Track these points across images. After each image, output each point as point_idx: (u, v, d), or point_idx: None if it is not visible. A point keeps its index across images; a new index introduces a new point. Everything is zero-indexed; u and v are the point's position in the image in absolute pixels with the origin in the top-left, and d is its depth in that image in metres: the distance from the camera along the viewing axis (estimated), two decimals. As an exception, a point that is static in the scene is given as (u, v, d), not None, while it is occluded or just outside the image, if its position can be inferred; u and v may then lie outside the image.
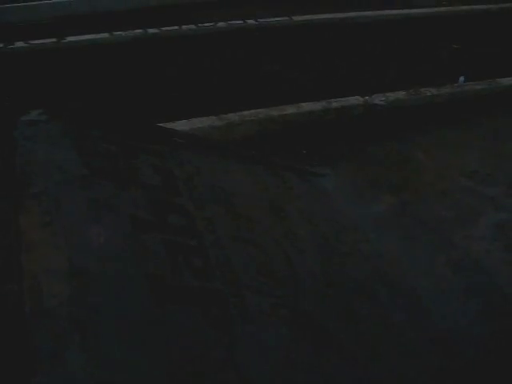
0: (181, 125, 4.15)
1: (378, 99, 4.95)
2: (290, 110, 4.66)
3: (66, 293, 1.96)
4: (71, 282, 2.00)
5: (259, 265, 2.57)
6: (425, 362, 2.69)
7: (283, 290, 2.51)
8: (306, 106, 4.72)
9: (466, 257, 3.50)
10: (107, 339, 1.85)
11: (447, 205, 3.96)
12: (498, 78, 5.65)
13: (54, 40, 6.00)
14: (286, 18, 7.07)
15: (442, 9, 8.15)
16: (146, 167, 2.81)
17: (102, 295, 2.00)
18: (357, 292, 2.84)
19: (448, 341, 2.87)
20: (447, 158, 4.53)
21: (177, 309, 2.08)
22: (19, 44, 5.90)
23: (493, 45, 6.93)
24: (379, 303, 2.89)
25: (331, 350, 2.38)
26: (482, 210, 3.92)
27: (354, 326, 2.59)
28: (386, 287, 3.04)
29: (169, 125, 3.98)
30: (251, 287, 2.40)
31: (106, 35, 6.22)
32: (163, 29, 6.45)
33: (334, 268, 2.93)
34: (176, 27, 6.53)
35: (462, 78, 5.66)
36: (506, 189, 4.14)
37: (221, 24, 6.73)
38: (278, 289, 2.50)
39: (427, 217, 3.83)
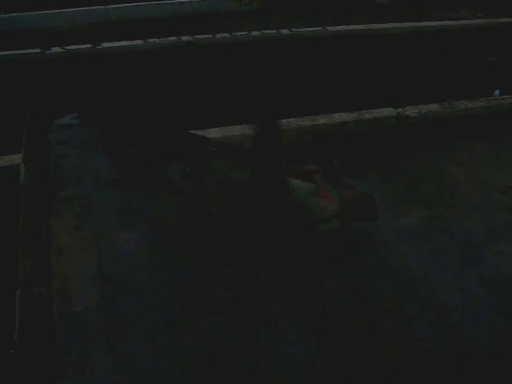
0: (213, 132, 4.16)
1: (411, 111, 4.91)
2: (322, 120, 4.64)
3: (95, 298, 1.97)
4: (100, 287, 2.01)
5: (288, 276, 2.55)
6: (451, 381, 2.65)
7: (311, 302, 2.49)
8: (338, 117, 4.70)
9: (497, 273, 3.44)
10: (134, 345, 1.86)
11: (479, 219, 3.90)
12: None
13: (89, 46, 6.08)
14: (321, 28, 7.06)
15: (478, 21, 8.05)
16: (178, 174, 2.81)
17: (130, 301, 2.00)
18: (385, 306, 2.80)
19: (476, 360, 2.82)
20: (480, 172, 4.46)
21: (204, 317, 2.07)
22: (56, 49, 5.99)
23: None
24: (407, 318, 2.85)
25: (358, 364, 2.35)
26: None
27: (381, 340, 2.55)
28: (415, 302, 2.99)
29: (201, 132, 3.98)
30: (279, 298, 2.39)
31: (140, 42, 6.29)
32: (197, 36, 6.49)
33: (363, 281, 2.90)
34: (210, 35, 6.56)
35: (497, 92, 5.58)
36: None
37: (255, 33, 6.74)
38: (306, 300, 2.48)
39: (459, 231, 3.77)
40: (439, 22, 7.77)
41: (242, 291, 2.31)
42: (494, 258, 3.57)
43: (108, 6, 7.14)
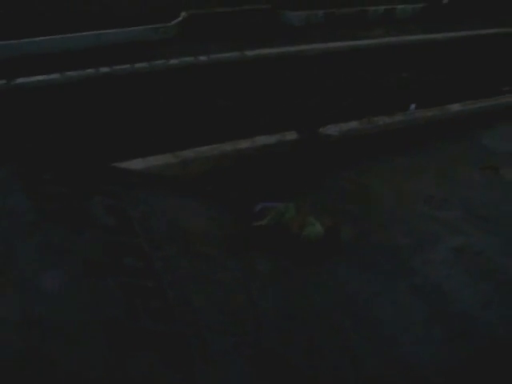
0: (136, 164, 4.10)
1: (332, 130, 4.99)
2: (245, 144, 4.65)
3: (18, 344, 1.88)
4: (23, 332, 1.93)
5: (219, 303, 2.53)
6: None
7: (245, 328, 2.46)
8: (260, 140, 4.72)
9: (425, 282, 3.51)
10: (63, 391, 1.78)
11: (405, 231, 3.98)
12: (448, 105, 5.76)
13: (3, 81, 5.92)
14: (238, 53, 7.13)
15: (390, 39, 8.32)
16: (100, 208, 2.75)
17: (57, 345, 1.92)
18: (321, 324, 2.81)
19: (413, 370, 2.86)
20: (402, 184, 4.57)
21: (136, 354, 2.01)
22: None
23: (439, 72, 7.11)
24: (344, 335, 2.86)
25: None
26: (440, 234, 3.95)
27: (317, 359, 2.55)
28: (348, 318, 3.01)
29: (123, 164, 3.92)
30: (212, 327, 2.35)
31: (56, 76, 6.18)
32: (115, 67, 6.42)
33: (296, 301, 2.90)
34: (128, 65, 6.52)
35: (413, 106, 5.77)
36: (462, 213, 4.20)
37: (173, 61, 6.74)
38: (240, 327, 2.45)
39: (387, 244, 3.83)
40: (352, 42, 7.99)
41: (173, 323, 2.26)
42: (422, 268, 3.64)
43: (22, 40, 7.00)
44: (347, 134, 5.05)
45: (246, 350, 2.34)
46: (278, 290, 2.92)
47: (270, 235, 3.33)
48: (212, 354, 2.22)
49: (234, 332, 2.40)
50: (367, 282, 3.44)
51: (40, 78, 6.15)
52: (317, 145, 3.05)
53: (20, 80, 6.06)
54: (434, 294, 3.41)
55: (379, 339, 3.00)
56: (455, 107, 5.78)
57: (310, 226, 3.42)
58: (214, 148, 4.49)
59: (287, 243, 3.33)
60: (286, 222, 3.42)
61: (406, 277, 3.56)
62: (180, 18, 7.99)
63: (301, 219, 3.45)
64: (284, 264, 3.22)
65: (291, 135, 4.85)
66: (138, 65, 6.62)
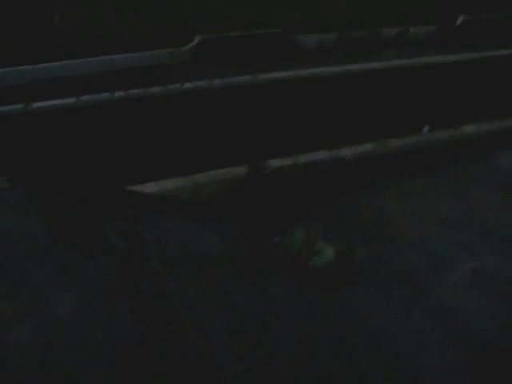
0: (148, 187, 4.10)
1: (346, 152, 4.98)
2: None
3: (32, 367, 1.89)
4: (38, 355, 1.93)
5: (232, 327, 2.51)
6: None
7: (258, 352, 2.45)
8: (274, 163, 4.72)
9: (441, 305, 3.47)
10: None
11: (420, 253, 3.95)
12: (462, 126, 5.74)
13: (21, 106, 5.99)
14: (251, 77, 7.16)
15: (399, 62, 8.31)
16: (114, 232, 2.76)
17: (70, 368, 1.92)
18: (334, 349, 2.78)
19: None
20: (417, 206, 4.55)
21: (148, 378, 2.00)
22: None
23: (453, 94, 7.10)
24: (357, 360, 2.83)
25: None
26: (456, 256, 3.92)
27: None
28: (362, 343, 2.99)
29: (136, 187, 3.93)
30: (224, 351, 2.34)
31: (72, 100, 6.24)
32: (130, 91, 6.49)
33: (309, 325, 2.88)
34: (142, 90, 6.57)
35: (426, 128, 5.75)
36: (477, 234, 4.16)
37: (187, 85, 6.79)
38: (253, 351, 2.44)
39: (401, 268, 3.80)
40: (364, 64, 7.99)
41: (186, 347, 2.25)
42: (437, 291, 3.60)
43: (37, 66, 7.08)
44: (361, 156, 5.04)
45: (260, 374, 2.33)
46: (291, 313, 2.90)
47: (281, 262, 3.33)
48: (225, 378, 2.20)
49: (246, 356, 2.39)
50: (381, 307, 3.41)
51: (56, 102, 6.21)
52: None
53: (36, 104, 6.12)
54: (449, 318, 3.37)
55: (393, 364, 2.97)
56: (470, 128, 5.75)
57: (318, 255, 3.42)
58: (226, 171, 4.50)
59: (298, 271, 3.33)
60: (295, 250, 3.42)
61: (421, 301, 3.52)
62: (194, 42, 8.06)
63: (309, 247, 3.44)
64: (297, 288, 3.20)
65: (305, 158, 4.85)
66: (152, 89, 6.67)
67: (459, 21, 9.65)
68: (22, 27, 7.95)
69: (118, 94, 6.48)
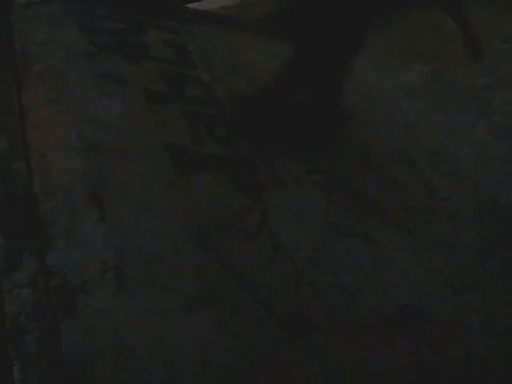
0: (190, 5, 3.85)
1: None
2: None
3: (78, 168, 1.80)
4: (83, 156, 1.84)
5: (288, 134, 2.37)
6: (471, 228, 2.51)
7: (316, 157, 2.32)
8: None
9: (506, 121, 3.27)
10: (127, 209, 1.70)
11: (484, 71, 3.68)
12: None
13: None
14: None
15: None
16: (157, 42, 2.59)
17: (118, 167, 1.83)
18: (394, 157, 2.63)
19: (493, 208, 2.69)
20: (481, 22, 4.19)
21: (202, 176, 1.90)
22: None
23: None
24: (419, 169, 2.68)
25: (373, 214, 2.20)
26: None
27: (393, 190, 2.40)
28: (425, 154, 2.82)
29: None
30: (282, 155, 2.22)
31: None
32: None
33: (371, 135, 2.71)
34: None
35: None
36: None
37: None
38: (311, 155, 2.30)
39: (464, 84, 3.56)
40: None
41: (241, 150, 2.13)
42: (502, 107, 3.38)
43: None
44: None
45: (318, 178, 2.21)
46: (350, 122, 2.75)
47: None
48: (283, 180, 2.10)
49: (304, 160, 2.26)
50: (443, 122, 3.22)
51: None
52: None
53: None
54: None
55: (458, 176, 2.82)
56: None
57: None
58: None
59: None
60: None
61: (486, 117, 3.31)
62: None
63: None
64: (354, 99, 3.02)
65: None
66: None
67: None
68: None
69: None
